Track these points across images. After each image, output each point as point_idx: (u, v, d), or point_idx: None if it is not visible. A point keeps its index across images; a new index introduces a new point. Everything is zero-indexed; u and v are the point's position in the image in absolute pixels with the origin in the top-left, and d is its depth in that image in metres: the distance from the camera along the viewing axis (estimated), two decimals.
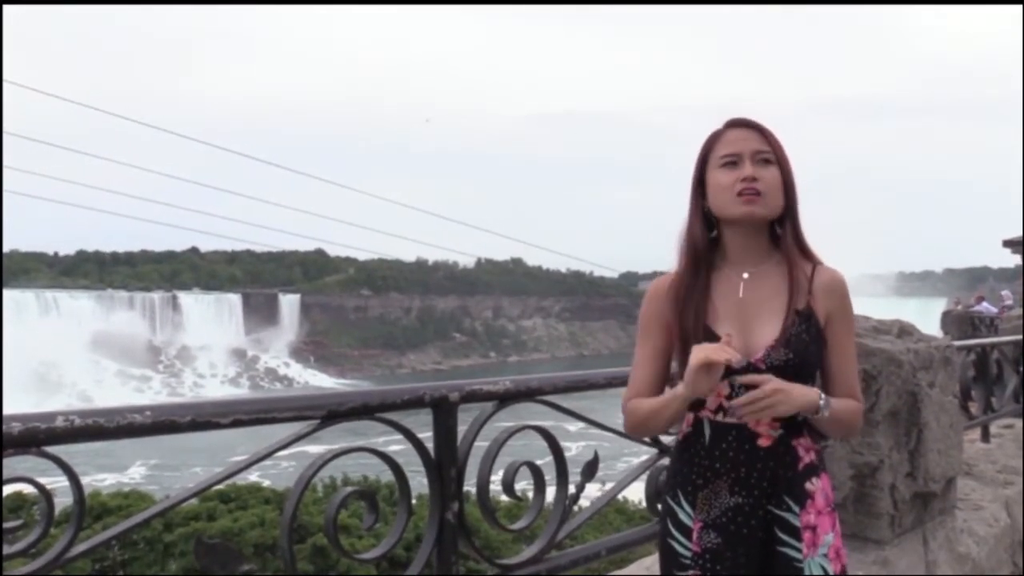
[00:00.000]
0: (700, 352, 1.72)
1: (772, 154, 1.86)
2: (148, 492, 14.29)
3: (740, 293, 1.87)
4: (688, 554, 1.85)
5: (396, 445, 2.11)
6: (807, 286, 1.87)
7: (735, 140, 1.88)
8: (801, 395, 1.77)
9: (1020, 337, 5.90)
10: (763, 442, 1.82)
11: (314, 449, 2.24)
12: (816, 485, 1.85)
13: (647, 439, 2.61)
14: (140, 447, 36.28)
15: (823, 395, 1.81)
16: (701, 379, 1.72)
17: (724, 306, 1.86)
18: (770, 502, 1.82)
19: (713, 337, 1.82)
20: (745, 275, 1.88)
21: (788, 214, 1.89)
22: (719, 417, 1.85)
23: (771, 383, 1.74)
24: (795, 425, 1.85)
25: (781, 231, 1.90)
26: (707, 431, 1.86)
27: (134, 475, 36.29)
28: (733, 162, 1.86)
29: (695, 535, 1.84)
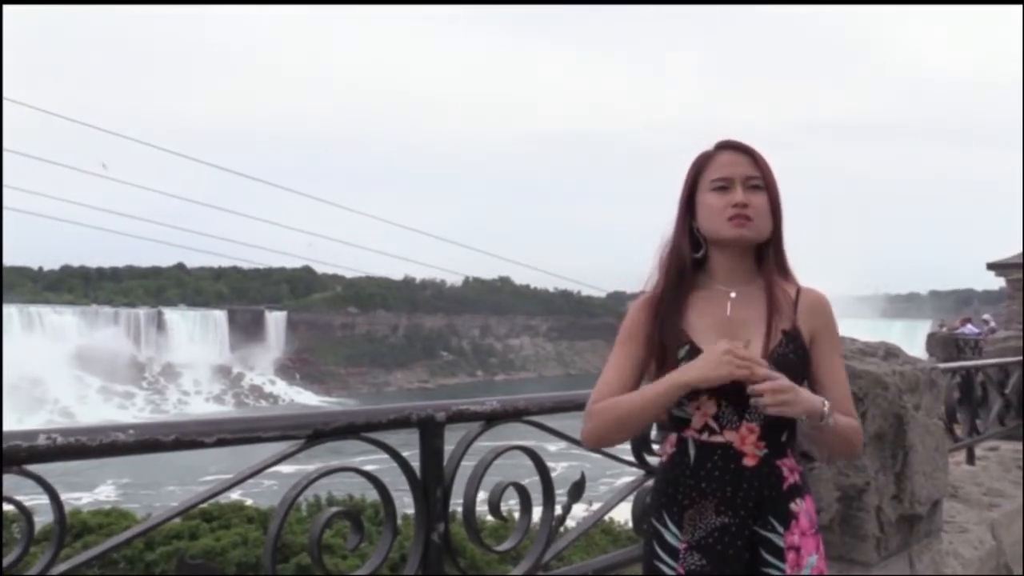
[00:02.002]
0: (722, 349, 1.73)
1: (762, 179, 1.89)
2: (129, 510, 14.15)
3: (728, 312, 1.89)
4: (675, 575, 1.84)
5: (382, 464, 2.10)
6: (792, 307, 1.89)
7: (727, 164, 1.90)
8: (807, 399, 1.77)
9: (1005, 360, 5.94)
10: (748, 462, 1.82)
11: (287, 469, 2.22)
12: (800, 506, 1.85)
13: (634, 460, 2.61)
14: (111, 465, 35.68)
15: (826, 402, 1.80)
16: (723, 367, 1.72)
17: (711, 324, 1.87)
18: (755, 523, 1.82)
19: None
20: (732, 294, 1.90)
21: (773, 238, 1.91)
22: (704, 437, 1.85)
23: (786, 380, 1.74)
24: (779, 445, 1.85)
25: (765, 254, 1.92)
26: (692, 451, 1.86)
27: (108, 494, 35.41)
28: (724, 186, 1.88)
29: (681, 556, 1.84)
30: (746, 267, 1.92)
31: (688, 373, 1.77)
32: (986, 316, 24.11)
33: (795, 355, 1.85)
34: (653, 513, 1.92)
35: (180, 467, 34.87)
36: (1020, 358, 5.98)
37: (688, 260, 1.92)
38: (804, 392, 1.78)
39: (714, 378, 1.75)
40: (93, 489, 35.35)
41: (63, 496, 1.58)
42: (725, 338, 1.79)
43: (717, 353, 1.74)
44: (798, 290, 1.92)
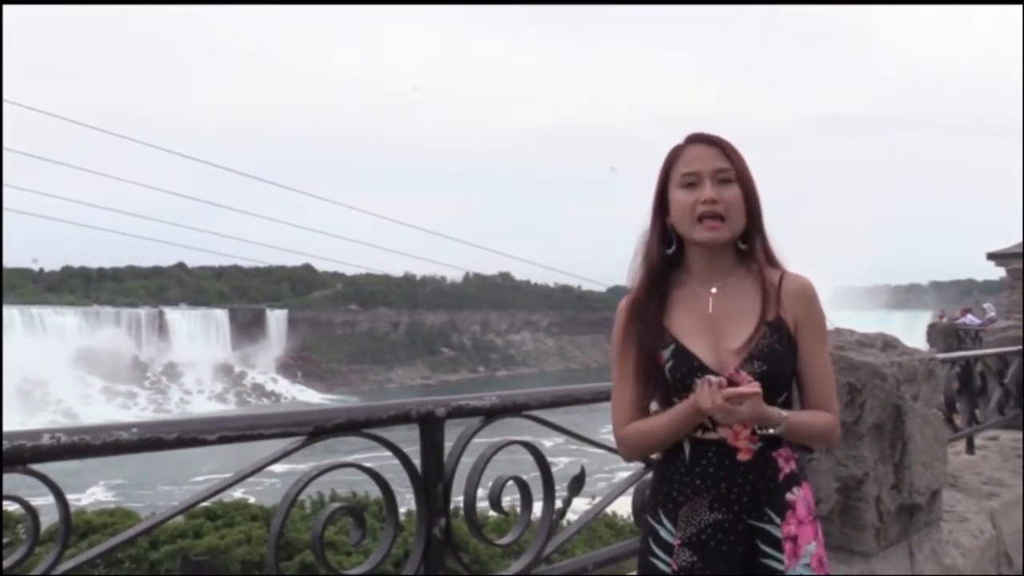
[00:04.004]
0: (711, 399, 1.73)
1: (732, 172, 1.86)
2: (133, 510, 14.18)
3: (710, 308, 1.88)
4: (669, 571, 1.85)
5: (383, 461, 2.11)
6: (776, 295, 1.87)
7: (695, 158, 1.87)
8: (766, 412, 1.77)
9: (1004, 350, 5.94)
10: (743, 456, 1.83)
11: (289, 467, 2.24)
12: (797, 495, 1.86)
13: None
14: (103, 467, 34.71)
15: (783, 414, 1.80)
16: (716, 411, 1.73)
17: (694, 321, 1.87)
18: (751, 516, 1.82)
19: (687, 354, 1.84)
20: (713, 290, 1.89)
21: (754, 230, 1.89)
22: (698, 434, 1.85)
23: (756, 391, 1.73)
24: (774, 436, 1.85)
25: (747, 246, 1.90)
26: (687, 448, 1.86)
27: (101, 495, 33.83)
28: (693, 182, 1.85)
29: (675, 552, 1.84)
30: (725, 260, 1.90)
31: (702, 402, 1.76)
32: (987, 305, 24.10)
33: (780, 345, 1.85)
34: (649, 511, 1.93)
35: (173, 467, 34.54)
36: (1019, 347, 5.98)
37: (658, 259, 1.90)
38: (765, 408, 1.76)
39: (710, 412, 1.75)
40: (85, 491, 34.17)
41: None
42: (676, 359, 1.81)
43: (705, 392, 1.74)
44: (781, 276, 1.90)
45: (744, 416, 1.74)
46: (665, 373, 1.85)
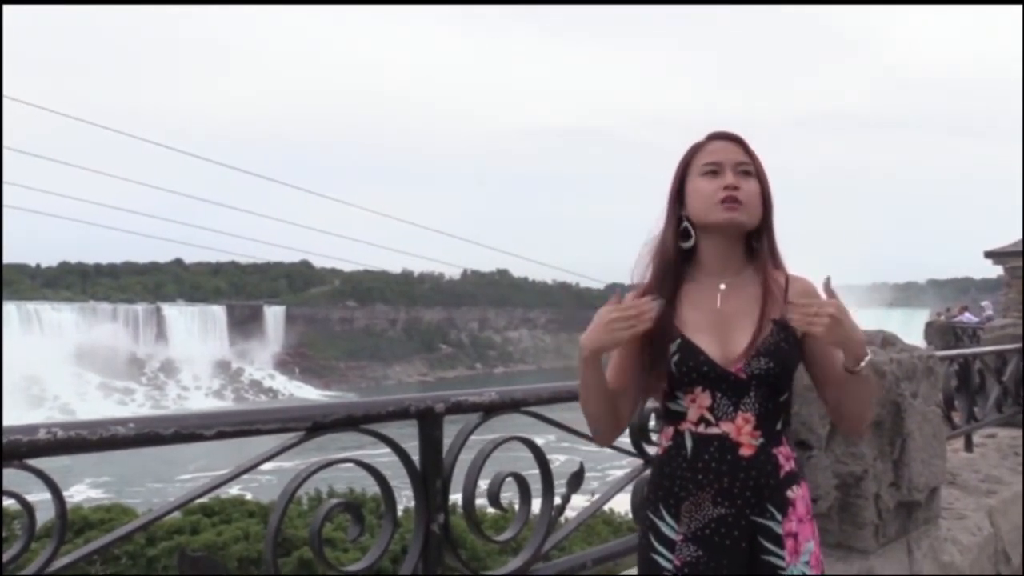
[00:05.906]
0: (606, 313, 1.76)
1: (752, 166, 1.90)
2: (130, 506, 14.17)
3: (718, 304, 1.89)
4: (671, 567, 1.85)
5: (381, 458, 2.11)
6: (783, 296, 1.89)
7: (717, 151, 1.91)
8: (852, 330, 1.75)
9: (1002, 347, 5.94)
10: (745, 451, 1.83)
11: (287, 464, 2.23)
12: (797, 493, 1.86)
13: (633, 450, 2.62)
14: (87, 465, 34.28)
15: (871, 349, 1.82)
16: (612, 334, 1.76)
17: (702, 316, 1.88)
18: (753, 512, 1.82)
19: (693, 349, 1.84)
20: (722, 286, 1.91)
21: (765, 226, 1.92)
22: (701, 429, 1.85)
23: (834, 301, 1.73)
24: (774, 434, 1.86)
25: (757, 243, 1.93)
26: (689, 444, 1.86)
27: (86, 494, 31.72)
28: (715, 171, 1.89)
29: (677, 548, 1.84)
30: (737, 256, 1.92)
31: (584, 341, 1.80)
32: (984, 303, 24.16)
33: (787, 343, 1.86)
34: (649, 506, 1.92)
35: (160, 465, 34.24)
36: (1018, 345, 5.98)
37: (673, 250, 1.92)
38: (851, 322, 1.74)
39: (609, 344, 1.78)
40: (68, 488, 31.60)
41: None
42: (682, 353, 1.82)
43: (604, 319, 1.76)
44: (787, 278, 1.93)
45: (839, 328, 1.71)
46: (671, 367, 1.85)
